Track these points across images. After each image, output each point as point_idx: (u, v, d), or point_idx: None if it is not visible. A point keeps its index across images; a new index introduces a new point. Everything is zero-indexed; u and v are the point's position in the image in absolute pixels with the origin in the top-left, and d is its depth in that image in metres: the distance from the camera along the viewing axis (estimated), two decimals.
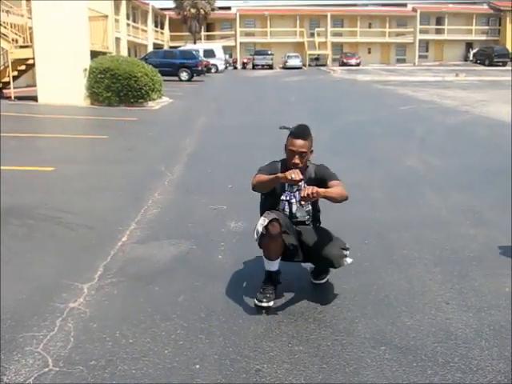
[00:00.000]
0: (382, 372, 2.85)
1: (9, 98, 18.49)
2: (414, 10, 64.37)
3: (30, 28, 18.15)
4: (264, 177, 3.59)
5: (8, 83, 18.83)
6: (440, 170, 8.16)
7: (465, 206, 6.14)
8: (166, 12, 57.82)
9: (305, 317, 3.47)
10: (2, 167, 7.66)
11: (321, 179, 3.66)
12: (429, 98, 21.91)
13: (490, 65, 54.36)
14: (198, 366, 2.91)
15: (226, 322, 3.39)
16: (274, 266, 3.64)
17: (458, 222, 5.56)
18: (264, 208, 3.77)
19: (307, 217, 3.78)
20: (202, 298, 3.72)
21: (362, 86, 30.45)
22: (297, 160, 3.58)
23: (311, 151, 3.69)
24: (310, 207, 3.81)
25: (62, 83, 17.16)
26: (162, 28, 58.96)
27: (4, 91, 19.33)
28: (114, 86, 17.19)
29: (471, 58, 61.79)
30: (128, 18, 43.40)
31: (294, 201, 3.74)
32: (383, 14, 64.59)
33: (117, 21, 35.67)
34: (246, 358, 2.99)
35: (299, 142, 3.59)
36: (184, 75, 33.20)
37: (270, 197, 3.77)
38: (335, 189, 3.55)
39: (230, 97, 22.84)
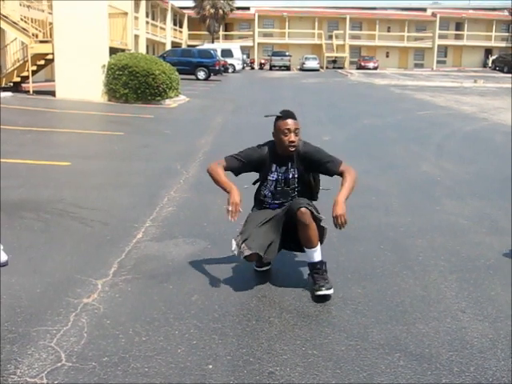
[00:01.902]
0: (396, 379, 2.82)
1: (27, 92, 18.65)
2: (434, 15, 64.07)
3: (50, 23, 18.31)
4: (221, 178, 3.95)
5: (27, 77, 18.99)
6: (456, 177, 8.10)
7: (481, 214, 6.08)
8: (185, 11, 58.03)
9: (319, 321, 3.45)
10: (18, 161, 7.71)
11: (310, 158, 3.91)
12: (446, 103, 21.79)
13: (509, 72, 53.89)
14: (210, 367, 2.89)
15: (240, 322, 3.38)
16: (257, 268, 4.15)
17: (475, 229, 5.51)
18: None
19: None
20: (216, 297, 3.71)
21: (379, 89, 30.33)
22: (293, 137, 3.83)
23: None
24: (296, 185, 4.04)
25: (80, 79, 17.28)
26: (181, 26, 59.15)
27: (23, 85, 19.49)
28: (132, 83, 17.27)
29: (490, 64, 61.42)
30: (147, 16, 43.57)
31: (282, 179, 3.99)
32: (402, 19, 64.34)
33: (136, 18, 35.84)
34: (259, 359, 2.97)
35: (291, 121, 3.86)
36: (201, 74, 33.29)
37: (259, 177, 4.15)
38: (348, 183, 3.81)
39: (247, 97, 22.84)
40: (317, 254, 3.81)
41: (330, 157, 3.93)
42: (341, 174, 3.87)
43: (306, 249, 3.81)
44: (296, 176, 3.99)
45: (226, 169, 4.02)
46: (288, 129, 3.82)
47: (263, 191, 4.11)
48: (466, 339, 3.26)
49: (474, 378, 2.86)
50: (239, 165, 4.03)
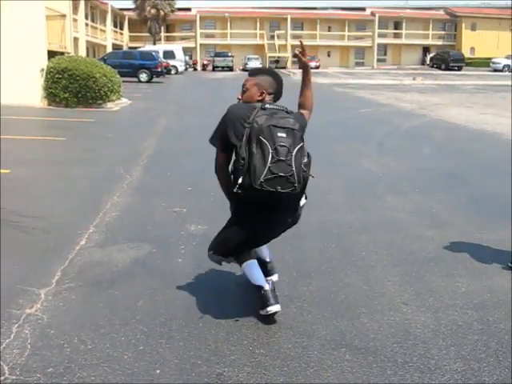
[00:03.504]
0: (343, 373, 2.88)
1: None
2: (373, 14, 65.29)
3: None
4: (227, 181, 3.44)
5: None
6: (398, 173, 8.29)
7: (422, 208, 6.25)
8: (126, 12, 57.25)
9: (265, 320, 3.47)
10: None
11: None
12: (387, 101, 22.26)
13: (447, 69, 55.57)
14: (158, 371, 2.88)
15: (187, 326, 3.37)
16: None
17: (416, 223, 5.65)
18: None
19: None
20: (161, 302, 3.68)
21: (322, 88, 30.69)
22: (238, 94, 3.55)
23: (268, 93, 3.52)
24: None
25: (18, 83, 16.77)
26: (122, 28, 58.35)
27: None
28: (72, 86, 16.92)
29: (428, 62, 63.04)
30: (87, 18, 42.78)
31: None
32: (342, 18, 65.32)
33: (75, 20, 35.15)
34: (206, 362, 2.97)
35: (247, 77, 3.61)
36: (143, 76, 32.94)
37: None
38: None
39: (190, 99, 22.73)
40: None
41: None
42: None
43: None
44: None
45: None
46: (243, 84, 3.58)
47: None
48: (409, 331, 3.35)
49: (418, 368, 2.94)
50: None
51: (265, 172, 3.09)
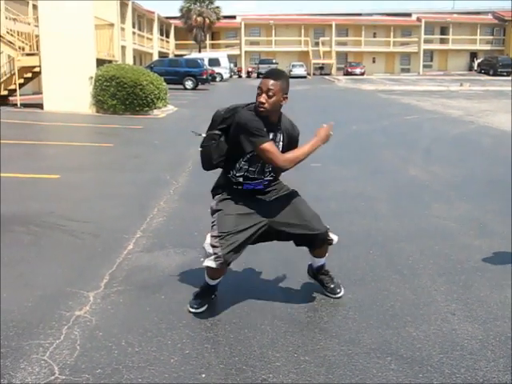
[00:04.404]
0: (388, 382, 2.85)
1: (15, 105, 18.61)
2: (419, 19, 64.57)
3: (37, 36, 18.29)
4: (303, 150, 3.50)
5: (14, 90, 18.97)
6: (444, 180, 8.16)
7: (469, 217, 6.14)
8: (172, 21, 58.19)
9: (310, 327, 3.47)
10: (7, 174, 7.70)
11: (291, 138, 3.66)
12: (433, 107, 21.95)
13: (495, 74, 54.44)
14: (203, 376, 2.91)
15: (232, 331, 3.40)
16: (214, 282, 3.72)
17: (463, 232, 5.56)
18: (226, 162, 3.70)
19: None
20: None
21: (367, 95, 30.49)
22: (262, 98, 3.43)
23: (285, 97, 3.51)
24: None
25: (67, 91, 17.27)
26: (168, 36, 59.24)
27: (10, 98, 19.45)
28: (120, 94, 17.27)
29: (475, 67, 61.94)
30: (134, 27, 43.63)
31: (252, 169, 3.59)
32: (388, 24, 64.82)
33: (123, 29, 35.87)
34: (251, 367, 2.99)
35: (268, 80, 3.45)
36: (189, 84, 33.36)
37: (231, 158, 3.65)
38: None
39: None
40: (324, 259, 3.95)
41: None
42: None
43: (316, 258, 3.91)
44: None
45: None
46: (260, 87, 3.45)
47: (236, 168, 3.65)
48: (457, 341, 3.29)
49: (465, 380, 2.89)
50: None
51: None
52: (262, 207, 3.62)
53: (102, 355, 3.09)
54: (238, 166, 3.62)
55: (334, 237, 3.78)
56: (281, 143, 3.62)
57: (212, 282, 3.70)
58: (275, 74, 3.53)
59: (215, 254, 3.40)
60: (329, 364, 3.03)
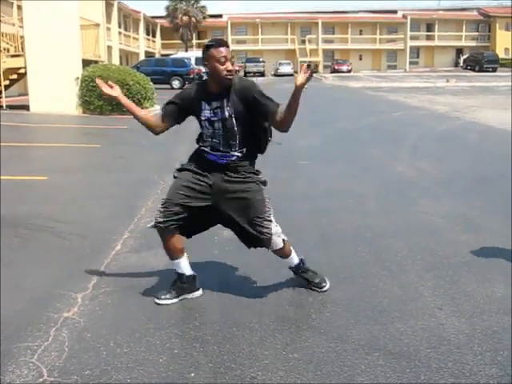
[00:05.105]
0: (376, 378, 2.87)
1: (0, 107, 18.46)
2: (405, 16, 64.73)
3: (22, 37, 18.17)
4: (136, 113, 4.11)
5: (0, 92, 18.81)
6: (431, 177, 8.21)
7: (456, 212, 6.18)
8: (158, 20, 57.98)
9: (299, 324, 3.49)
10: None
11: (248, 94, 3.50)
12: (420, 104, 22.06)
13: (480, 70, 54.73)
14: (192, 375, 2.91)
15: (220, 330, 3.40)
16: (178, 266, 3.81)
17: (450, 228, 5.60)
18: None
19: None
20: (195, 306, 3.73)
21: (354, 92, 30.58)
22: (231, 66, 3.45)
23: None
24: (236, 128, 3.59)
25: (54, 92, 17.15)
26: (154, 36, 59.04)
27: None
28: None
29: (461, 63, 62.22)
30: (120, 27, 43.45)
31: (215, 118, 3.59)
32: (374, 21, 64.94)
33: (108, 29, 35.65)
34: (240, 365, 3.00)
35: (225, 48, 3.46)
36: (176, 83, 33.26)
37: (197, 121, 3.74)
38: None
39: None
40: (294, 258, 3.92)
41: (267, 97, 3.55)
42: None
43: (283, 259, 3.96)
44: (233, 115, 3.53)
45: (164, 116, 3.87)
46: (224, 56, 3.42)
47: (203, 138, 3.76)
48: (444, 336, 3.32)
49: (452, 373, 2.91)
50: (174, 108, 3.77)
51: None
52: (215, 191, 3.68)
53: (91, 356, 3.08)
54: (204, 135, 3.73)
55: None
56: (228, 108, 3.54)
57: (176, 267, 3.83)
58: (223, 42, 3.54)
59: (155, 217, 3.70)
60: (317, 361, 3.04)
